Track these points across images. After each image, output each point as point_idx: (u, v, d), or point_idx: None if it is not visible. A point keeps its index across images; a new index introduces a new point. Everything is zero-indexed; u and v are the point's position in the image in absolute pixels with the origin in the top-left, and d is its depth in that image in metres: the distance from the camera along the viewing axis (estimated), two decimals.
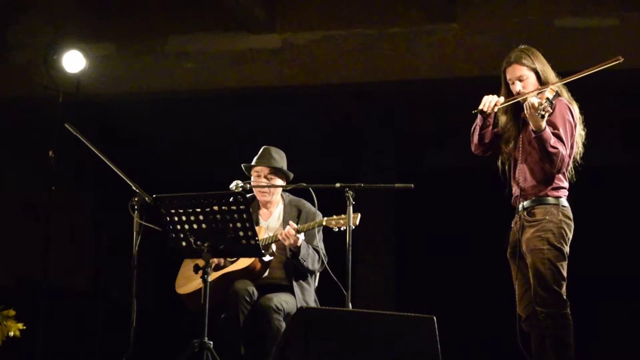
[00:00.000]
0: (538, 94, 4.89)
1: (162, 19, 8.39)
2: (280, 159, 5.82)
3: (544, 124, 4.76)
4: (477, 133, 5.13)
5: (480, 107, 5.02)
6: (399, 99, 9.79)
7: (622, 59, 4.91)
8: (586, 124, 5.17)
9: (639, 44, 7.48)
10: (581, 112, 5.12)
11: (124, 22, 8.45)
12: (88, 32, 8.27)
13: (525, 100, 4.89)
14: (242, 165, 5.83)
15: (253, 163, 5.80)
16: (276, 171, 5.77)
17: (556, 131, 4.88)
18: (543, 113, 4.70)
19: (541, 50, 5.19)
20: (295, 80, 8.17)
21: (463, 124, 5.16)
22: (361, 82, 8.19)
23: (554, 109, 4.92)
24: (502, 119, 5.12)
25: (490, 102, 5.00)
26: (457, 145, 5.30)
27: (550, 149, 4.80)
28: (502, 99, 5.02)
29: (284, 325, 5.35)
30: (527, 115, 4.80)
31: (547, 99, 4.75)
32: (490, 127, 5.13)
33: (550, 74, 5.04)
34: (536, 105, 4.72)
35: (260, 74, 8.21)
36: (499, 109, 5.05)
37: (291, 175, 5.82)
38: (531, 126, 4.82)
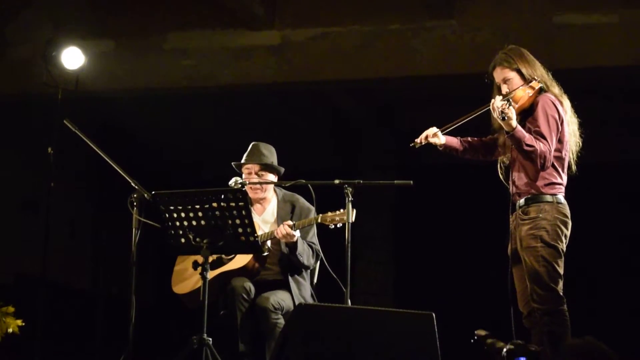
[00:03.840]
0: (503, 97, 4.93)
1: (161, 16, 8.39)
2: (269, 154, 5.82)
3: (513, 123, 4.80)
4: (458, 157, 5.28)
5: (416, 139, 5.18)
6: (398, 96, 9.78)
7: (541, 84, 5.00)
8: (586, 120, 5.18)
9: (638, 41, 7.48)
10: (578, 108, 5.13)
11: (123, 19, 8.45)
12: (87, 28, 8.27)
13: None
14: (232, 163, 5.84)
15: (243, 161, 5.80)
16: (267, 167, 5.78)
17: (537, 128, 4.90)
18: (502, 115, 4.75)
19: (539, 47, 5.20)
20: (294, 77, 8.17)
21: (459, 129, 5.20)
22: (360, 79, 8.19)
23: (536, 106, 4.96)
24: (494, 122, 5.14)
25: (422, 136, 5.17)
26: None
27: (526, 147, 4.83)
28: (434, 129, 5.17)
29: (282, 322, 5.36)
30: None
31: (507, 101, 4.80)
32: (460, 149, 5.25)
33: (537, 71, 5.05)
34: (495, 108, 4.80)
35: (259, 71, 8.21)
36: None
37: (282, 170, 5.83)
38: (504, 127, 4.86)
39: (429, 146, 5.22)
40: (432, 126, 5.23)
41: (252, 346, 5.44)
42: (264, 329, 5.38)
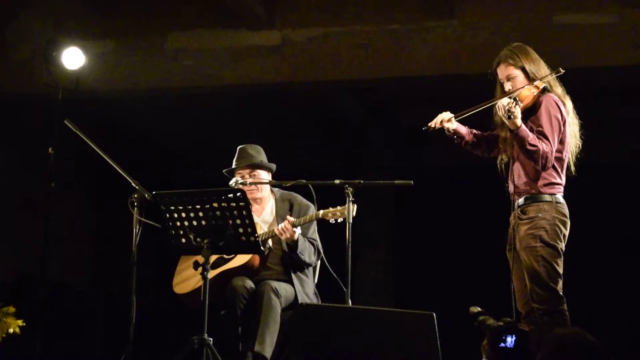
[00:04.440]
0: (508, 96, 4.93)
1: (161, 16, 8.39)
2: (257, 153, 5.82)
3: (518, 122, 4.80)
4: (461, 147, 5.23)
5: (429, 124, 5.13)
6: (398, 96, 9.78)
7: (564, 71, 4.96)
8: (586, 120, 5.18)
9: (638, 41, 7.48)
10: (578, 107, 5.13)
11: (124, 19, 8.45)
12: (88, 29, 8.27)
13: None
14: (224, 171, 5.84)
15: (233, 166, 5.81)
16: (257, 167, 5.78)
17: (539, 128, 4.90)
18: (509, 114, 4.74)
19: (540, 47, 5.19)
20: (294, 77, 8.16)
21: (463, 121, 5.19)
22: (361, 79, 8.18)
23: (539, 106, 4.95)
24: (497, 119, 5.14)
25: (437, 120, 5.12)
26: None
27: (529, 147, 4.82)
28: (449, 114, 5.14)
29: (279, 307, 5.34)
30: (500, 116, 4.88)
31: (514, 100, 4.79)
32: (466, 139, 5.22)
33: (541, 70, 5.05)
34: (501, 106, 4.79)
35: (260, 71, 8.20)
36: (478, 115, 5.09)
37: (274, 167, 5.84)
38: (508, 125, 4.86)
39: (440, 131, 5.19)
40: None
41: (252, 345, 5.43)
42: (262, 307, 5.32)
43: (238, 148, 5.86)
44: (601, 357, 3.07)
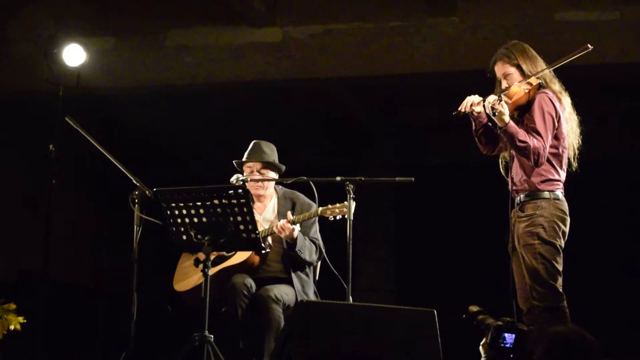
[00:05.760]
0: (497, 94, 4.93)
1: (162, 13, 8.39)
2: (270, 152, 5.83)
3: (506, 119, 4.80)
4: (476, 136, 5.18)
5: (459, 108, 5.04)
6: (399, 93, 9.77)
7: (592, 47, 4.93)
8: (584, 117, 5.17)
9: (639, 38, 7.47)
10: (578, 105, 5.12)
11: (125, 16, 8.45)
12: (88, 25, 8.26)
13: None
14: (233, 161, 5.84)
15: (244, 159, 5.81)
16: (268, 165, 5.79)
17: (532, 124, 4.89)
18: (493, 111, 4.74)
19: (540, 44, 5.18)
20: (295, 74, 8.16)
21: (463, 118, 5.19)
22: (362, 76, 8.18)
23: (532, 102, 4.94)
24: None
25: (467, 102, 5.01)
26: (458, 139, 5.32)
27: (518, 143, 4.82)
28: (479, 97, 5.03)
29: (282, 315, 5.36)
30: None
31: (499, 97, 4.79)
32: (482, 126, 5.15)
33: (537, 67, 5.04)
34: (487, 104, 4.79)
35: (261, 68, 8.20)
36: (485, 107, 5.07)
37: (283, 168, 5.85)
38: (497, 122, 4.86)
39: (465, 116, 5.14)
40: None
41: (252, 342, 5.44)
42: (263, 319, 5.37)
43: (252, 142, 5.87)
44: (594, 356, 3.06)
